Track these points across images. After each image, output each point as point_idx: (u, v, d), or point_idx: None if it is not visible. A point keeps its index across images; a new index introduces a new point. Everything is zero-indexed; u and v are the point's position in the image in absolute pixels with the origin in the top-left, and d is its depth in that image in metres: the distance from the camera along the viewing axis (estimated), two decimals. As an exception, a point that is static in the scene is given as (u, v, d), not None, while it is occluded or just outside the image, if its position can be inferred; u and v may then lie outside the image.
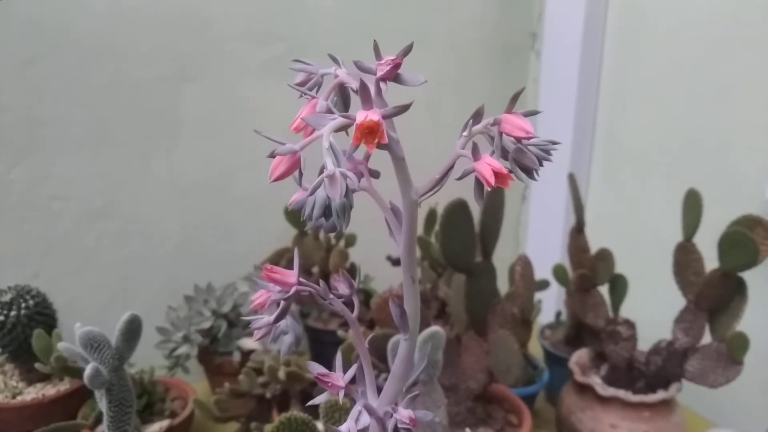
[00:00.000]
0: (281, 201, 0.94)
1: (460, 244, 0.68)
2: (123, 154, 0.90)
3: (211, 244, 0.99)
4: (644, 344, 0.78)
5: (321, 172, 0.27)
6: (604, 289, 0.83)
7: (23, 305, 0.73)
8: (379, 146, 0.28)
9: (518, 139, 0.30)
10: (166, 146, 0.93)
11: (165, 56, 0.90)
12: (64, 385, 0.76)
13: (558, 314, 1.04)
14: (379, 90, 0.29)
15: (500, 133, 0.30)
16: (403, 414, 0.32)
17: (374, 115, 0.27)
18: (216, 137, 0.96)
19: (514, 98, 0.30)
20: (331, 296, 0.34)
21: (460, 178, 0.31)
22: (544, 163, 0.30)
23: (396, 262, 0.99)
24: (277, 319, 0.32)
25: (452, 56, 1.15)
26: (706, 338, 0.73)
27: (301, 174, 0.29)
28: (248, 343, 0.86)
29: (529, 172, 0.30)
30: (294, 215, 0.96)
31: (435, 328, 0.56)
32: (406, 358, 0.33)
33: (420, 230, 0.91)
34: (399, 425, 0.32)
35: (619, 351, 0.77)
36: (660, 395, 0.73)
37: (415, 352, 0.35)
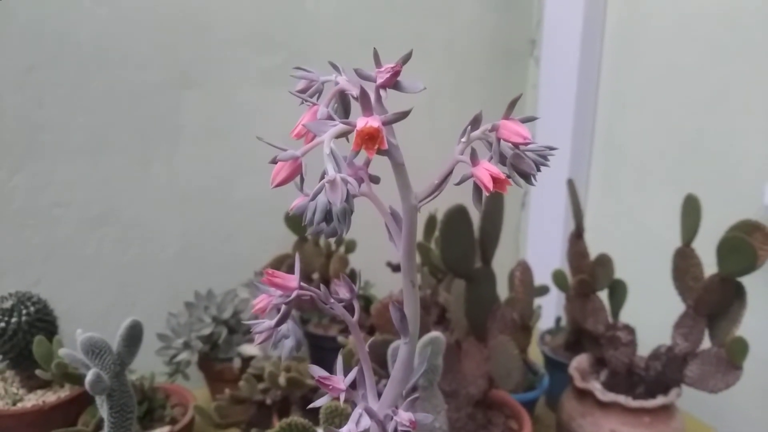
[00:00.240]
0: (281, 207, 0.94)
1: (460, 249, 0.69)
2: (123, 160, 0.90)
3: (211, 250, 0.99)
4: (644, 349, 0.78)
5: (322, 177, 0.27)
6: (603, 295, 0.83)
7: (24, 312, 0.73)
8: (379, 152, 0.28)
9: (516, 145, 0.30)
10: (167, 153, 0.93)
11: (165, 63, 0.90)
12: (64, 392, 0.76)
13: (558, 320, 1.04)
14: (379, 97, 0.30)
15: (498, 139, 0.30)
16: (404, 417, 0.32)
17: (374, 122, 0.27)
18: (216, 144, 0.97)
19: (512, 104, 0.31)
20: (332, 300, 0.34)
21: (458, 183, 0.31)
22: (543, 168, 0.31)
23: (396, 268, 0.99)
24: (279, 322, 0.32)
25: (451, 63, 1.15)
26: (706, 343, 0.73)
27: (302, 179, 0.29)
28: (248, 349, 0.86)
29: (527, 178, 0.31)
30: (294, 221, 0.96)
31: (435, 333, 0.57)
32: (407, 362, 0.34)
33: (420, 236, 0.92)
34: (399, 428, 0.32)
35: (618, 356, 0.77)
36: (660, 400, 0.73)
37: (415, 356, 0.35)
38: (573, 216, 0.83)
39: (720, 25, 0.89)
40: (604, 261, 0.83)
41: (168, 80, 0.91)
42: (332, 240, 0.98)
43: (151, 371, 0.79)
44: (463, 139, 0.31)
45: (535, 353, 0.96)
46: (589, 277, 0.82)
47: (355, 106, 0.32)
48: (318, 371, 0.33)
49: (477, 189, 0.30)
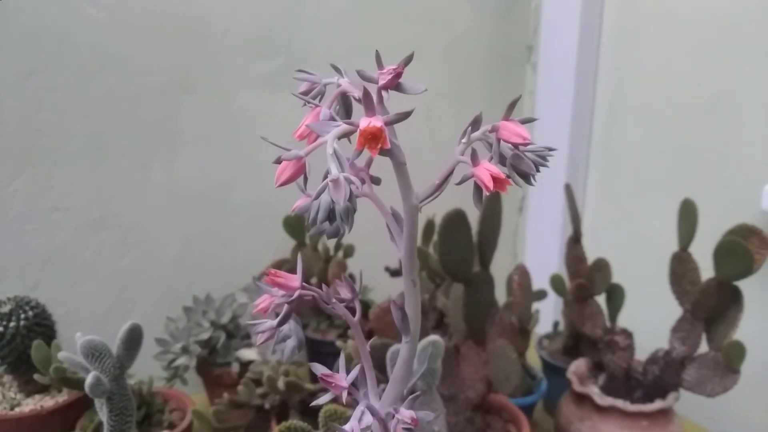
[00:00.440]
0: (280, 212, 0.94)
1: (458, 254, 0.69)
2: (122, 165, 0.91)
3: (209, 254, 1.00)
4: (642, 353, 0.79)
5: (325, 177, 0.27)
6: (601, 299, 0.83)
7: (22, 316, 0.72)
8: (382, 152, 0.29)
9: (516, 146, 0.31)
10: (165, 157, 0.93)
11: (164, 67, 0.91)
12: (62, 397, 0.75)
13: (556, 324, 1.04)
14: (381, 98, 0.30)
15: (498, 140, 0.31)
16: (405, 414, 0.32)
17: (377, 122, 0.28)
18: (215, 148, 0.97)
19: (512, 105, 0.31)
20: (334, 300, 0.34)
21: (459, 183, 0.31)
22: (541, 173, 0.31)
23: (394, 273, 0.99)
24: (281, 322, 0.32)
25: (449, 69, 1.16)
26: (703, 347, 0.73)
27: (305, 179, 0.30)
28: (247, 354, 0.86)
29: (527, 178, 0.31)
30: (293, 226, 0.96)
31: (434, 336, 0.57)
32: (407, 361, 0.34)
33: (418, 241, 0.92)
34: (401, 425, 0.32)
35: (616, 360, 0.78)
36: (658, 405, 0.73)
37: (415, 358, 0.35)
38: (570, 221, 0.83)
39: (716, 31, 0.90)
40: (602, 265, 0.83)
41: (167, 85, 0.91)
42: (331, 245, 0.99)
43: (150, 376, 0.79)
44: (464, 140, 0.31)
45: (534, 357, 0.96)
46: (587, 281, 0.82)
47: (357, 108, 0.32)
48: (320, 369, 0.33)
49: (477, 189, 0.30)
